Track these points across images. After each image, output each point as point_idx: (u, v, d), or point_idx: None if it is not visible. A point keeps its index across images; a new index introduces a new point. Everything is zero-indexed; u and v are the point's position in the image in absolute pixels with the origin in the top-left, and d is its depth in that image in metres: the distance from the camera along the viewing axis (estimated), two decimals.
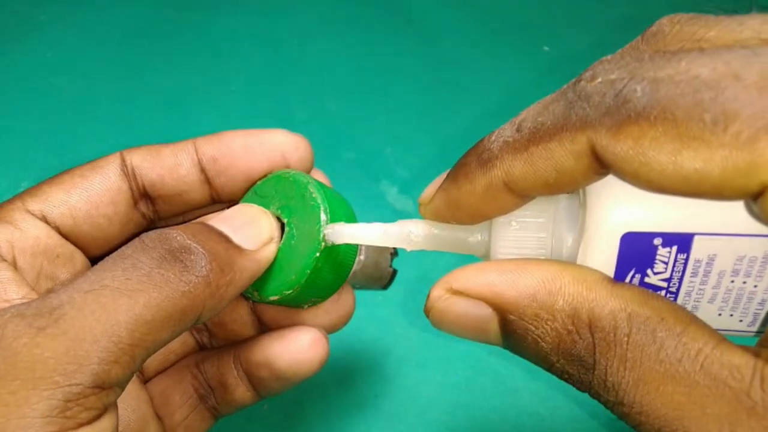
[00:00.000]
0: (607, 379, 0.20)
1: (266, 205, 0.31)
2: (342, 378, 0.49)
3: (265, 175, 0.32)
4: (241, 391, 0.34)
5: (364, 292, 0.36)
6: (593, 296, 0.21)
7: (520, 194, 0.22)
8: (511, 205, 0.23)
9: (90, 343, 0.22)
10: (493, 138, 0.23)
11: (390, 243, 0.28)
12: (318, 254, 0.29)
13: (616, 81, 0.19)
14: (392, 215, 0.58)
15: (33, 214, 0.30)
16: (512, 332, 0.23)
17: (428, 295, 0.24)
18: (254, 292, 0.31)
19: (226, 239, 0.28)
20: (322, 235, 0.29)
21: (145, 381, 0.35)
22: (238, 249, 0.28)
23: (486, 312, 0.23)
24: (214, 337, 0.36)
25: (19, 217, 0.29)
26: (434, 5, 0.80)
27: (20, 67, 0.70)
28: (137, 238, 0.26)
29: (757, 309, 0.23)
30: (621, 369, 0.20)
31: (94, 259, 0.32)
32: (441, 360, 0.50)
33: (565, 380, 0.22)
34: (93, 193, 0.31)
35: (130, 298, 0.23)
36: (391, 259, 0.36)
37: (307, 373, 0.33)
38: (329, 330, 0.34)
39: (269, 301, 0.31)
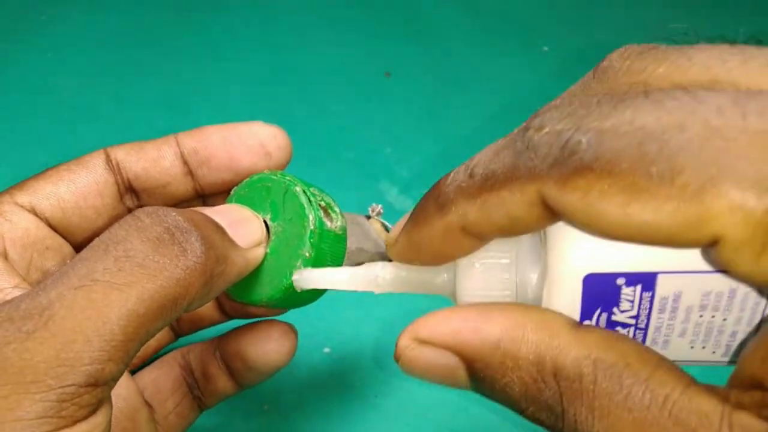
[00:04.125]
0: (577, 427, 0.20)
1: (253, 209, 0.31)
2: (342, 378, 0.49)
3: (248, 177, 0.32)
4: (222, 381, 0.35)
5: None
6: (556, 343, 0.21)
7: (477, 237, 0.22)
8: (471, 247, 0.23)
9: (81, 343, 0.21)
10: (449, 181, 0.22)
11: (357, 287, 0.28)
12: (310, 226, 0.29)
13: (563, 132, 0.19)
14: (392, 215, 0.58)
15: (22, 207, 0.30)
16: (480, 380, 0.22)
17: (396, 344, 0.24)
18: (240, 294, 0.31)
19: (222, 230, 0.27)
20: (305, 249, 0.29)
21: (132, 368, 0.35)
22: (231, 242, 0.27)
23: (452, 360, 0.23)
24: (180, 320, 0.37)
25: (8, 209, 0.30)
26: (434, 5, 0.80)
27: (20, 67, 0.70)
28: (130, 215, 0.25)
29: (728, 341, 0.23)
30: (589, 418, 0.20)
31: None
32: None
33: (539, 425, 0.22)
34: (80, 185, 0.31)
35: (122, 292, 0.22)
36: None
37: (276, 365, 0.34)
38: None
39: (254, 305, 0.31)
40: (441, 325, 0.23)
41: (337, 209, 0.31)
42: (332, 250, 0.31)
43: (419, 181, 0.62)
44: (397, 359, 0.24)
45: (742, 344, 0.23)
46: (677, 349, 0.23)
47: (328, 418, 0.47)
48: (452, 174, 0.22)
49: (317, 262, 0.30)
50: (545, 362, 0.21)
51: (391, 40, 0.76)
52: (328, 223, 0.30)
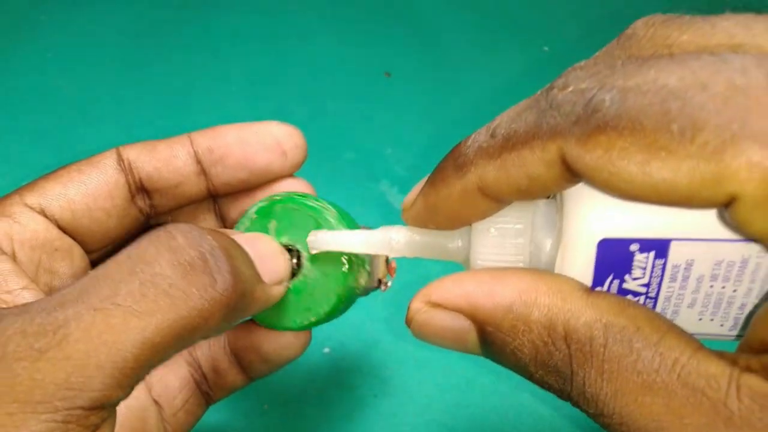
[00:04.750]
0: (585, 390, 0.20)
1: (275, 234, 0.30)
2: (342, 378, 0.49)
3: (266, 197, 0.31)
4: (232, 375, 0.35)
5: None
6: (568, 307, 0.21)
7: (495, 199, 0.22)
8: (488, 210, 0.23)
9: (93, 368, 0.21)
10: (469, 143, 0.22)
11: (372, 250, 0.27)
12: (341, 292, 0.29)
13: (586, 90, 0.19)
14: (392, 215, 0.58)
15: (31, 208, 0.30)
16: (491, 343, 0.23)
17: (408, 308, 0.24)
18: (269, 321, 0.31)
19: (251, 263, 0.27)
20: (344, 273, 0.29)
21: None
22: (258, 277, 0.27)
23: (464, 324, 0.23)
24: None
25: (18, 210, 0.29)
26: (434, 5, 0.80)
27: (20, 67, 0.70)
28: (164, 231, 0.24)
29: (737, 313, 0.23)
30: (599, 380, 0.20)
31: (91, 253, 0.32)
32: (441, 360, 0.50)
33: (546, 390, 0.22)
34: (91, 186, 0.31)
35: (141, 319, 0.22)
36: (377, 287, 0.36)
37: (291, 357, 0.33)
38: None
39: (265, 327, 0.31)
40: (453, 288, 0.23)
41: (368, 266, 0.31)
42: (346, 305, 0.31)
43: (419, 181, 0.62)
44: (408, 323, 0.24)
45: (750, 317, 0.23)
46: (686, 321, 0.23)
47: (327, 418, 0.47)
48: (473, 136, 0.22)
49: (330, 316, 0.30)
50: (557, 326, 0.21)
51: (391, 40, 0.76)
52: (355, 287, 0.30)
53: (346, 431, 0.47)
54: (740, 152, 0.17)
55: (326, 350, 0.50)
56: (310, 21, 0.78)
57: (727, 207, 0.18)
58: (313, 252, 0.29)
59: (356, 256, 0.30)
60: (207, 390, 0.36)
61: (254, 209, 0.31)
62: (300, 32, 0.76)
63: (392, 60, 0.74)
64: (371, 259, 0.32)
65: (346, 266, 0.29)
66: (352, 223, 0.31)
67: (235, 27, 0.76)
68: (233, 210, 0.34)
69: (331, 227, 0.29)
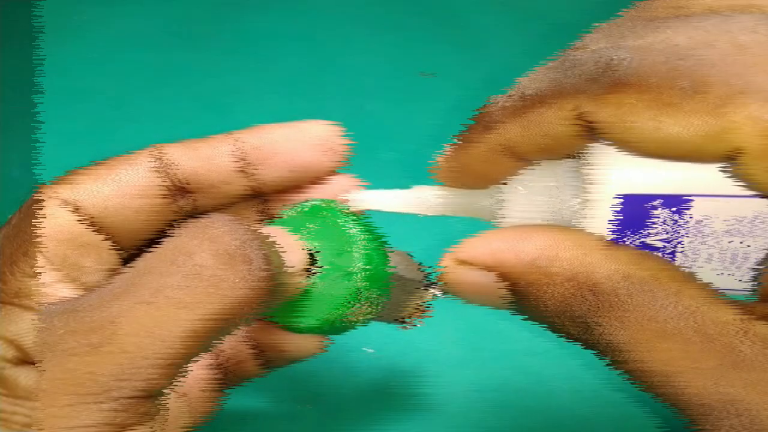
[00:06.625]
0: (607, 338, 0.21)
1: (308, 233, 0.31)
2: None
3: (327, 200, 0.32)
4: (251, 365, 0.36)
5: None
6: (590, 260, 0.22)
7: (520, 157, 0.23)
8: (514, 168, 0.24)
9: (142, 359, 0.23)
10: (495, 104, 0.24)
11: (406, 209, 0.29)
12: (329, 317, 0.30)
13: (602, 49, 0.20)
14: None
15: (60, 201, 0.30)
16: (516, 297, 0.24)
17: (439, 266, 0.26)
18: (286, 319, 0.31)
19: (279, 254, 0.28)
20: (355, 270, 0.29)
21: None
22: (285, 267, 0.28)
23: (491, 279, 0.24)
24: None
25: (47, 204, 0.30)
26: (477, 5, 0.80)
27: (61, 68, 0.71)
28: (202, 223, 0.25)
29: (753, 267, 0.24)
30: (618, 329, 0.21)
31: (121, 250, 0.32)
32: (477, 361, 0.49)
33: (570, 340, 0.23)
34: (123, 184, 0.31)
35: (188, 311, 0.23)
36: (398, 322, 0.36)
37: (315, 353, 0.34)
38: None
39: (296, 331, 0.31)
40: (481, 245, 0.24)
41: (378, 306, 0.31)
42: (334, 330, 0.31)
43: None
44: (439, 281, 0.26)
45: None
46: (704, 276, 0.23)
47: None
48: (499, 97, 0.24)
49: (311, 332, 0.31)
50: (579, 278, 0.22)
51: (431, 39, 0.76)
52: (350, 319, 0.31)
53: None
54: (743, 107, 0.18)
55: (369, 350, 0.50)
56: (348, 20, 0.78)
57: (733, 160, 0.19)
58: (352, 210, 0.30)
59: (372, 293, 0.30)
60: (225, 377, 0.36)
61: (310, 203, 0.31)
62: (338, 32, 0.77)
63: (432, 60, 0.73)
64: (399, 297, 0.33)
65: (349, 298, 0.29)
66: (380, 261, 0.31)
67: (273, 27, 0.77)
68: (276, 209, 0.34)
69: (351, 259, 0.30)
